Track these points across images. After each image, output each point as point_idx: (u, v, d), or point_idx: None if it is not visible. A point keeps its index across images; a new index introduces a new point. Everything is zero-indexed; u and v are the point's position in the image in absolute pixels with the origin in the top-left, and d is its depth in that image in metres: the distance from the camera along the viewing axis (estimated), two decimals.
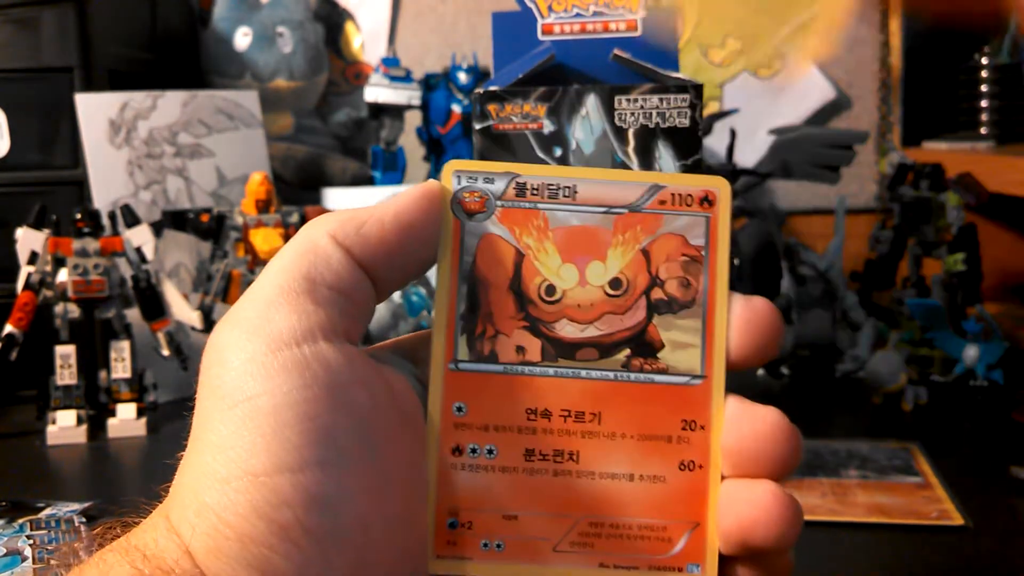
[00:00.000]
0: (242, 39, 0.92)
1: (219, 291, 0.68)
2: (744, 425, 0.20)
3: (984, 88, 0.93)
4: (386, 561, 0.18)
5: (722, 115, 0.82)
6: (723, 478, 0.20)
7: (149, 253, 0.65)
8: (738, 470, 0.20)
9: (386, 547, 0.18)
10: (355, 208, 0.20)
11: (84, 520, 0.45)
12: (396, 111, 0.85)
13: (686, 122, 0.42)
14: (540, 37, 0.49)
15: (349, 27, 1.01)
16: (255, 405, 0.17)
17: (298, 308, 0.18)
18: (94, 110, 0.71)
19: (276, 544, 0.17)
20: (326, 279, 0.19)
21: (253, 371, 0.17)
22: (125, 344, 0.64)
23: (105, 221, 0.65)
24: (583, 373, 0.21)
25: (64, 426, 0.62)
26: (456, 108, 0.84)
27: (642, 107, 0.42)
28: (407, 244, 0.20)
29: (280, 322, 0.18)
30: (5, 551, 0.41)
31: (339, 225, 0.19)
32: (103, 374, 0.65)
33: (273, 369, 0.17)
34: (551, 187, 0.22)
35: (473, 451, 0.21)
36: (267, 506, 0.17)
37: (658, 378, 0.21)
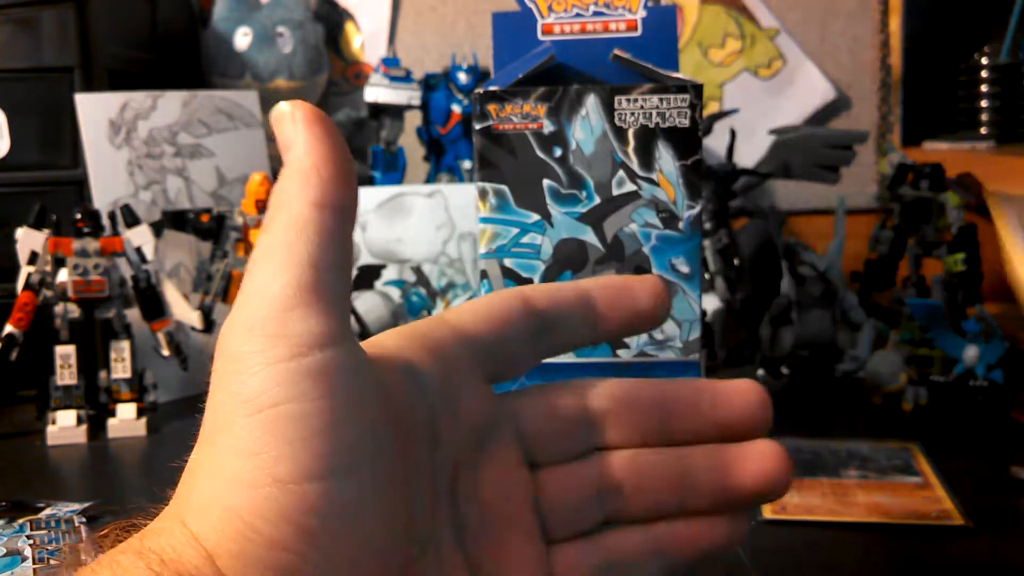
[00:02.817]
0: (242, 39, 0.92)
1: (219, 291, 0.68)
2: (735, 396, 0.22)
3: (984, 88, 0.93)
4: (395, 564, 0.18)
5: (722, 115, 0.82)
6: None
7: (149, 253, 0.65)
8: (736, 436, 0.22)
9: (395, 550, 0.18)
10: None
11: (84, 520, 0.45)
12: (396, 111, 0.85)
13: (686, 122, 0.42)
14: (540, 37, 0.49)
15: (349, 27, 1.01)
16: (281, 412, 0.17)
17: (315, 310, 0.18)
18: (94, 110, 0.71)
19: (304, 550, 0.17)
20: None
21: (278, 377, 0.17)
22: (125, 344, 0.64)
23: (105, 221, 0.65)
24: None
25: (64, 426, 0.62)
26: (456, 108, 0.84)
27: (642, 107, 0.42)
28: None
29: (299, 324, 0.18)
30: (5, 551, 0.41)
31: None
32: (103, 374, 0.65)
33: (299, 375, 0.17)
34: None
35: None
36: (296, 512, 0.17)
37: None
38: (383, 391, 0.19)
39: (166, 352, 0.65)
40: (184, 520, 0.17)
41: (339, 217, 0.19)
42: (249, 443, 0.17)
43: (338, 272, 0.19)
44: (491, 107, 0.42)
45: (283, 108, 0.19)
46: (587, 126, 0.43)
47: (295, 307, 0.18)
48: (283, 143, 0.19)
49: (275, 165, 0.86)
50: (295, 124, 0.19)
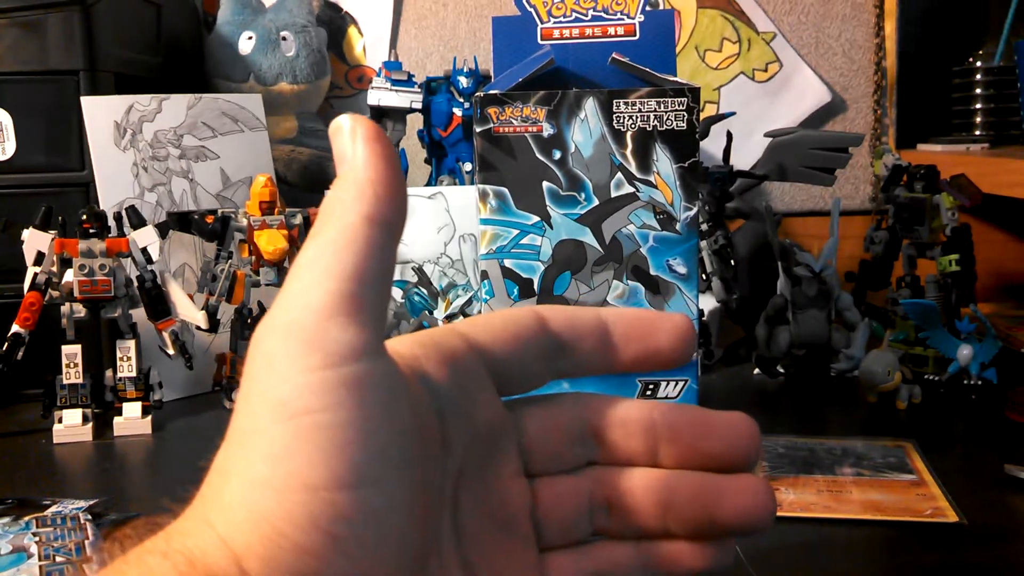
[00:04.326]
0: (246, 43, 0.93)
1: (224, 292, 0.68)
2: (724, 429, 0.22)
3: (978, 91, 0.94)
4: (411, 570, 0.19)
5: (719, 118, 0.83)
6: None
7: (154, 254, 0.65)
8: (722, 467, 0.22)
9: (413, 556, 0.19)
10: None
11: (90, 517, 0.46)
12: (398, 114, 0.85)
13: (683, 125, 0.43)
14: (540, 41, 0.50)
15: (351, 31, 1.02)
16: (315, 420, 0.17)
17: (354, 321, 0.18)
18: (100, 113, 0.71)
19: (332, 557, 0.17)
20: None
21: (312, 385, 0.17)
22: (131, 343, 0.65)
23: (111, 222, 0.66)
24: None
25: (70, 424, 0.63)
26: (457, 111, 0.84)
27: (640, 110, 0.43)
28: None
29: (337, 334, 0.18)
30: (12, 548, 0.42)
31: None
32: (109, 373, 0.66)
33: (333, 385, 0.17)
34: None
35: None
36: (326, 520, 0.17)
37: None
38: (410, 401, 0.19)
39: (171, 351, 0.66)
40: (211, 521, 0.17)
41: (387, 234, 0.19)
42: (281, 448, 0.17)
43: (380, 286, 0.19)
44: (492, 110, 0.43)
45: (343, 122, 0.20)
46: (586, 129, 0.43)
47: (334, 316, 0.18)
48: (339, 155, 0.19)
49: (278, 167, 0.86)
50: (354, 139, 0.19)
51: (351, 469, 0.17)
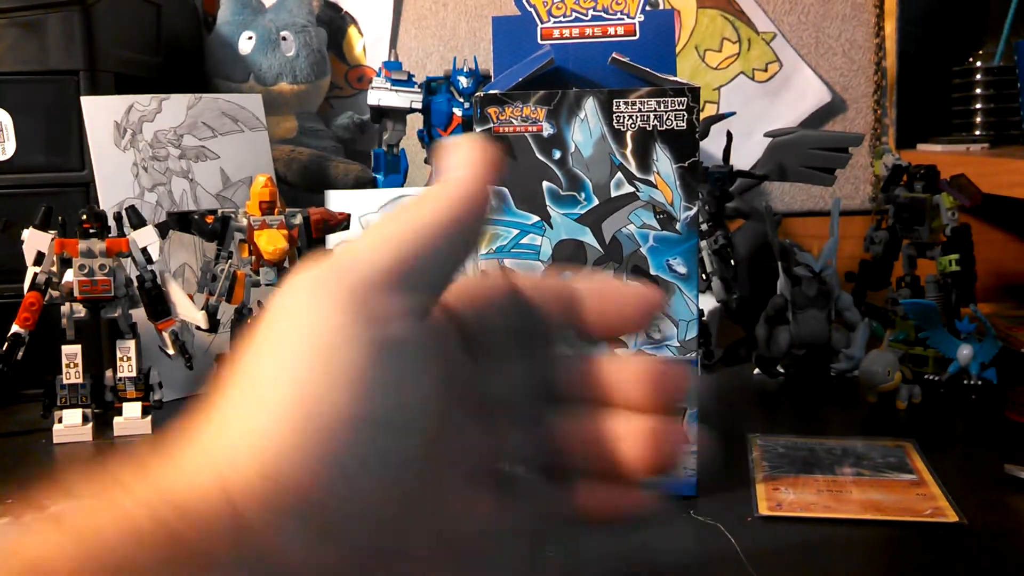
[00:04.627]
0: (246, 43, 0.93)
1: (223, 292, 0.68)
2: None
3: (978, 90, 0.94)
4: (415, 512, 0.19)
5: (719, 118, 0.83)
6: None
7: (154, 254, 0.65)
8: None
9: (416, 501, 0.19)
10: None
11: None
12: (398, 114, 0.86)
13: (683, 125, 0.43)
14: (540, 41, 0.50)
15: (351, 31, 1.02)
16: (343, 356, 0.18)
17: (407, 287, 0.19)
18: (100, 113, 0.71)
19: (328, 500, 0.17)
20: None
21: (349, 329, 0.18)
22: (131, 343, 0.65)
23: (111, 222, 0.66)
24: None
25: (70, 424, 0.63)
26: (457, 112, 0.84)
27: (640, 110, 0.43)
28: None
29: (387, 297, 0.19)
30: None
31: None
32: (109, 373, 0.66)
33: (370, 334, 0.18)
34: None
35: None
36: (330, 457, 0.17)
37: None
38: (439, 358, 0.20)
39: (171, 351, 0.66)
40: (212, 460, 0.17)
41: (466, 240, 0.21)
42: (304, 378, 0.17)
43: (441, 274, 0.20)
44: (492, 110, 0.43)
45: (467, 141, 0.21)
46: (586, 129, 0.43)
47: (388, 283, 0.19)
48: (450, 162, 0.21)
49: (278, 167, 0.86)
50: (472, 153, 0.21)
51: (368, 407, 0.17)
